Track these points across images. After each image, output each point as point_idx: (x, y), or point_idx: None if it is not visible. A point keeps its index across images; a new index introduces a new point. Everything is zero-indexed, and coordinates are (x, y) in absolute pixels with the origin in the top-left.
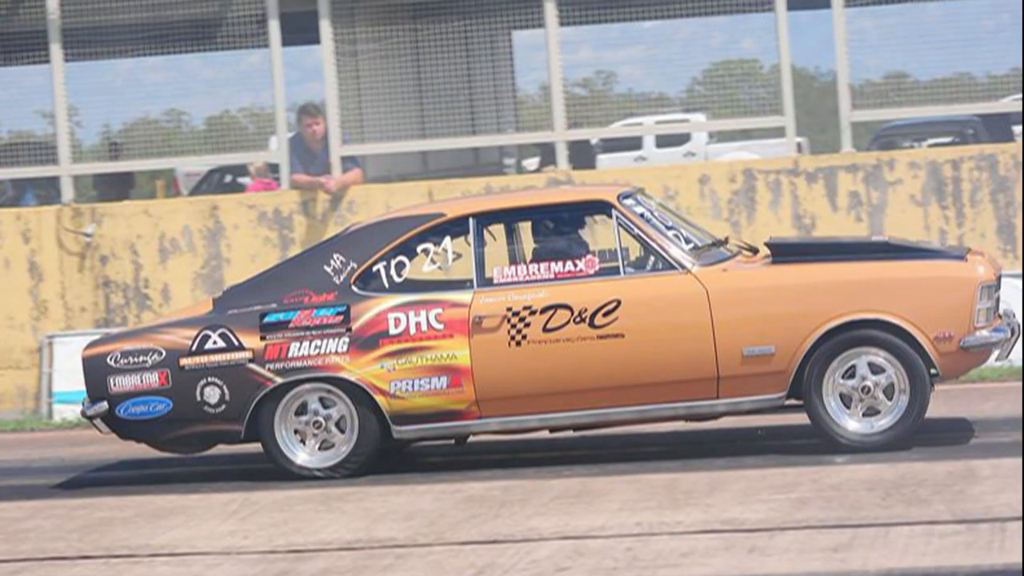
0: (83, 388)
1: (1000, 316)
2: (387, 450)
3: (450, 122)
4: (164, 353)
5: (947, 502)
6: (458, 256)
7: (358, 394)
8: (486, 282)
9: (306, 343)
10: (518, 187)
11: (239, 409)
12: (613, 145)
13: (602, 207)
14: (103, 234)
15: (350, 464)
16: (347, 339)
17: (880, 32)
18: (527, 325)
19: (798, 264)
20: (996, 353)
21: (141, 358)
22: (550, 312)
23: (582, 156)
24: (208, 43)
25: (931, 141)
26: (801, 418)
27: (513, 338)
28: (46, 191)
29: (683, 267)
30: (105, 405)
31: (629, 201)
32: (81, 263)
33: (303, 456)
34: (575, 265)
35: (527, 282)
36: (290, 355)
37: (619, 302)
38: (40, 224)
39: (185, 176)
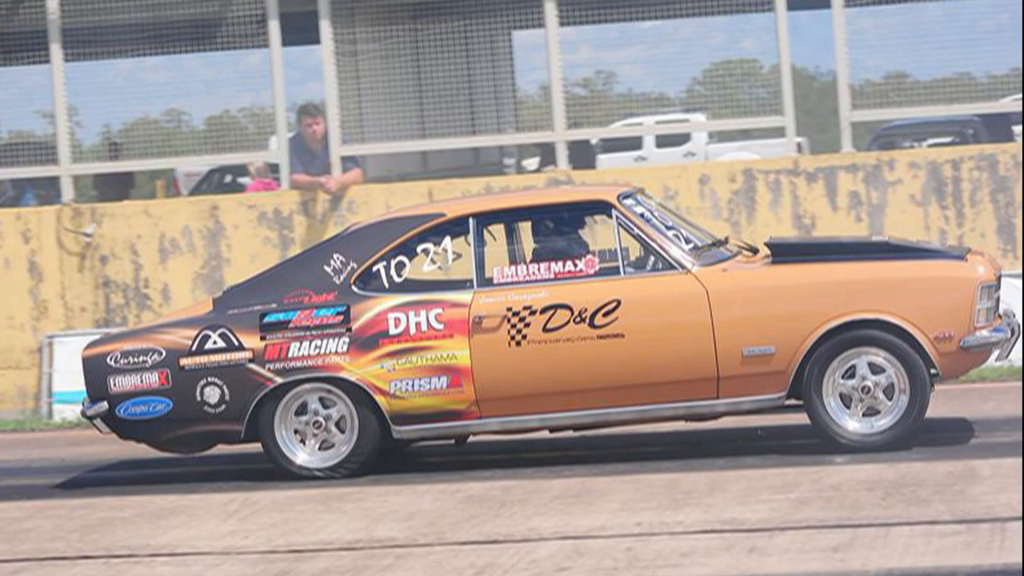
0: (83, 388)
1: (1000, 316)
2: (387, 450)
3: (450, 122)
4: (164, 353)
5: (947, 502)
6: (458, 256)
7: (358, 394)
8: (486, 282)
9: (306, 343)
10: (518, 187)
11: (239, 409)
12: (613, 145)
13: (602, 207)
14: (103, 234)
15: (350, 464)
16: (347, 339)
17: (880, 32)
18: (527, 325)
19: (798, 264)
20: (996, 353)
21: (141, 358)
22: (550, 312)
23: (582, 156)
24: (208, 43)
25: (931, 141)
26: (801, 418)
27: (513, 338)
28: (46, 191)
29: (683, 267)
30: (105, 405)
31: (629, 201)
32: (81, 263)
33: (303, 456)
34: (575, 265)
35: (527, 282)
36: (290, 355)
37: (619, 302)
38: (40, 224)
39: (185, 176)
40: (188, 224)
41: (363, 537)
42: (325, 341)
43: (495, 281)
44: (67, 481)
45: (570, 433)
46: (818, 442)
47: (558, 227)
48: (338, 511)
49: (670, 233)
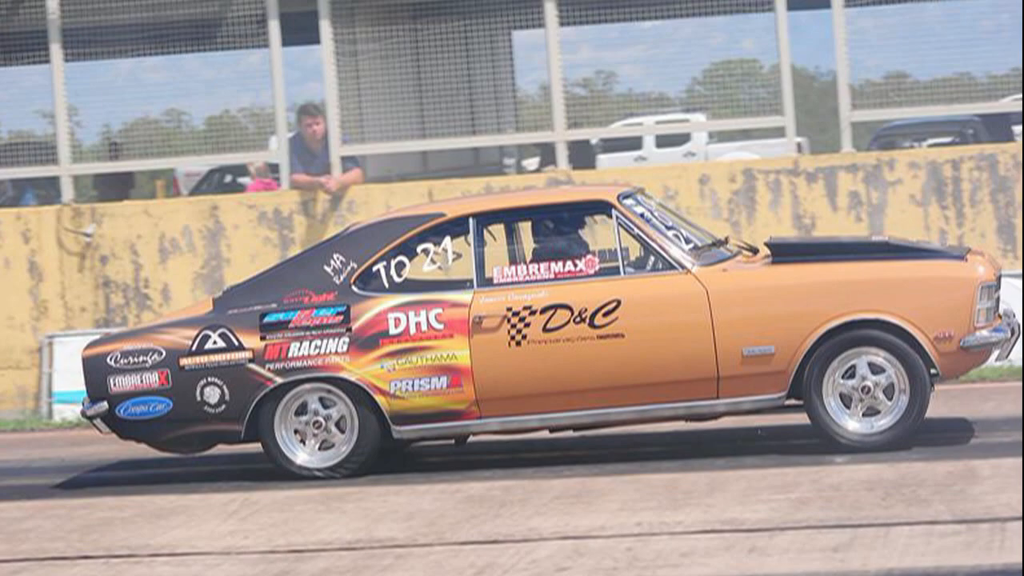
0: (83, 388)
1: (1000, 316)
2: (387, 450)
3: (450, 122)
4: (164, 353)
5: (947, 502)
6: (458, 256)
7: (358, 394)
8: (486, 282)
9: (306, 343)
10: (518, 187)
11: (239, 409)
12: (613, 145)
13: (602, 207)
14: (103, 234)
15: (350, 464)
16: (347, 339)
17: (880, 32)
18: (527, 325)
19: (798, 264)
20: (996, 353)
21: (141, 358)
22: (550, 312)
23: (582, 156)
24: (208, 43)
25: (931, 141)
26: (801, 418)
27: (513, 338)
28: (46, 191)
29: (683, 267)
30: (105, 405)
31: (629, 201)
32: (81, 263)
33: (303, 456)
34: (575, 265)
35: (527, 282)
36: (290, 355)
37: (619, 302)
38: (40, 224)
39: (185, 176)
40: (188, 224)
41: (363, 537)
42: (325, 341)
43: (495, 281)
44: (67, 481)
45: (570, 433)
46: (818, 442)
47: (558, 227)
48: (338, 511)
49: (670, 233)
